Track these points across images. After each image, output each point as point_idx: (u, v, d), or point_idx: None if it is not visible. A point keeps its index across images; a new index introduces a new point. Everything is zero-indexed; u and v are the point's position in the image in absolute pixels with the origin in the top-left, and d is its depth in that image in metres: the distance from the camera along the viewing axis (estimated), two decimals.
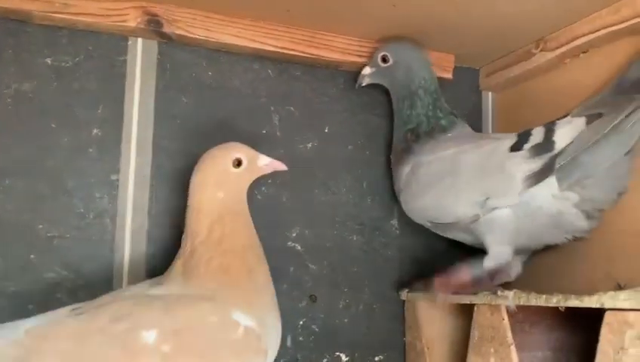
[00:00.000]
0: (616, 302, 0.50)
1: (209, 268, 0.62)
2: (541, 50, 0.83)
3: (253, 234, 0.67)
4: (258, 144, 0.81)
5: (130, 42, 0.77)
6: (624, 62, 0.72)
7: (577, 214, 0.70)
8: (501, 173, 0.71)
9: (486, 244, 0.75)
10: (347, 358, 0.83)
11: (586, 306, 0.53)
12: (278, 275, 0.70)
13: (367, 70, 0.83)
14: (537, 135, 0.71)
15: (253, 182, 0.71)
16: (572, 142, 0.68)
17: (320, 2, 0.74)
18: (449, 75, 0.90)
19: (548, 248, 0.77)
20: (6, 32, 0.72)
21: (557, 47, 0.80)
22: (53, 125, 0.73)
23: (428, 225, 0.80)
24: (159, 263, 0.75)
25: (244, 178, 0.68)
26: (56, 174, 0.72)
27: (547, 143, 0.70)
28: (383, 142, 0.88)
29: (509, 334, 0.64)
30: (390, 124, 0.86)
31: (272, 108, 0.83)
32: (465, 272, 0.75)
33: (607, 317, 0.51)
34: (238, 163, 0.67)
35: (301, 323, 0.81)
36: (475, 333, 0.69)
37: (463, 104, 0.94)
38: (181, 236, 0.68)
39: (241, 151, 0.68)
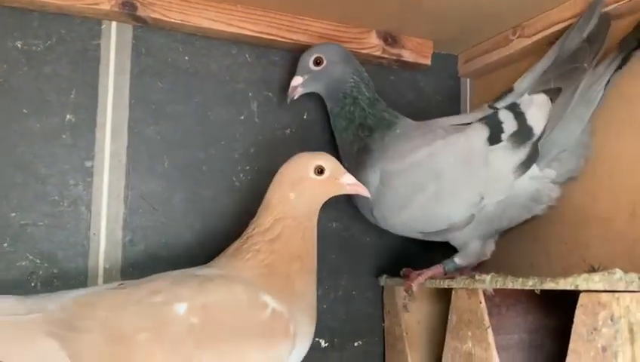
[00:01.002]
0: (590, 284, 0.51)
1: (254, 258, 0.63)
2: (518, 37, 0.83)
3: (310, 249, 0.66)
4: (236, 130, 0.81)
5: (104, 26, 0.76)
6: None
7: (553, 187, 0.72)
8: (488, 170, 0.70)
9: (463, 243, 0.75)
10: (326, 344, 0.83)
11: (561, 288, 0.54)
12: None
13: (297, 80, 0.78)
14: (508, 121, 0.72)
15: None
16: (547, 123, 0.70)
17: None
18: (427, 62, 0.90)
19: (523, 235, 0.78)
20: None
21: (534, 34, 0.81)
22: (24, 110, 0.71)
23: (415, 235, 0.77)
24: (136, 250, 0.74)
25: (321, 188, 0.67)
26: (28, 161, 0.71)
27: (525, 130, 0.70)
28: None
29: (486, 317, 0.64)
30: (330, 133, 0.83)
31: (250, 94, 0.82)
32: (438, 270, 0.76)
33: (582, 299, 0.52)
34: (320, 171, 0.66)
35: None
36: (453, 317, 0.70)
37: (441, 90, 0.95)
38: (158, 221, 0.69)
39: (327, 161, 0.67)
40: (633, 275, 0.50)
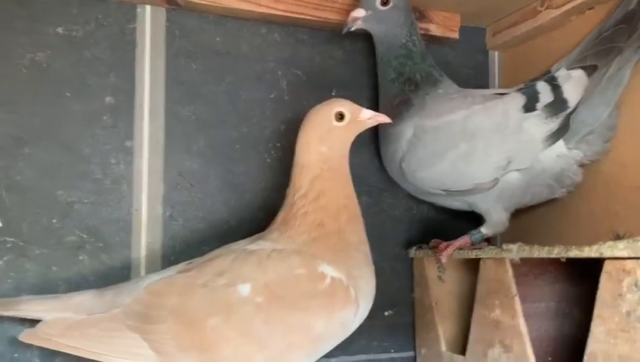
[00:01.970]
0: (614, 251, 0.52)
1: (304, 221, 0.65)
2: (546, 8, 0.82)
3: (350, 194, 0.68)
4: (267, 108, 0.83)
5: (139, 10, 0.78)
6: None
7: (577, 170, 0.73)
8: (520, 135, 0.72)
9: (487, 211, 0.76)
10: None
11: (586, 256, 0.55)
12: None
13: (360, 12, 0.76)
14: (545, 92, 0.72)
15: None
16: (581, 98, 0.70)
17: None
18: (455, 35, 0.90)
19: (552, 206, 0.79)
20: (17, 3, 0.73)
21: (562, 5, 0.80)
22: (67, 94, 0.75)
23: (437, 192, 0.78)
24: (175, 224, 0.78)
25: (347, 132, 0.68)
26: (72, 142, 0.75)
27: (560, 101, 0.71)
28: None
29: (514, 286, 0.66)
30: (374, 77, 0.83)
31: (280, 73, 0.84)
32: (465, 240, 0.77)
33: (607, 266, 0.53)
34: (340, 116, 0.67)
35: None
36: (481, 287, 0.71)
37: (469, 63, 0.95)
38: (195, 196, 0.72)
39: (343, 105, 0.68)
40: None
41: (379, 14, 0.77)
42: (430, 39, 0.90)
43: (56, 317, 0.61)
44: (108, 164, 0.76)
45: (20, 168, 0.72)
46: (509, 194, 0.75)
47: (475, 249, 0.74)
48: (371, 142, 0.87)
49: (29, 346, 0.64)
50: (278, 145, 0.83)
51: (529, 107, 0.72)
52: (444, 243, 0.79)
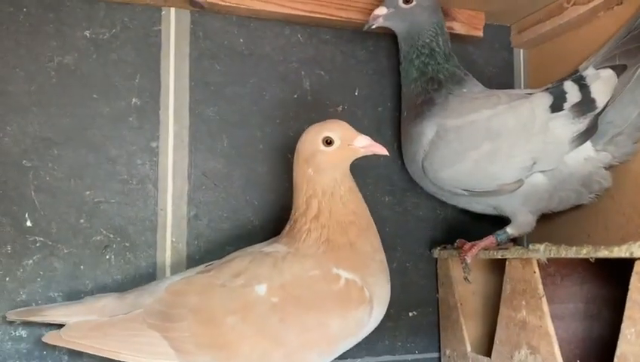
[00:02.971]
0: None
1: (309, 237, 0.65)
2: (573, 4, 0.81)
3: (356, 209, 0.67)
4: (290, 109, 0.83)
5: (163, 12, 0.79)
6: None
7: (605, 174, 0.71)
8: (546, 135, 0.70)
9: (512, 213, 0.75)
10: None
11: (616, 256, 0.54)
12: None
13: (382, 10, 0.76)
14: (573, 92, 0.71)
15: None
16: (610, 98, 0.68)
17: None
18: (479, 33, 0.90)
19: (581, 206, 0.77)
20: (46, 7, 0.75)
21: (589, 1, 0.79)
22: (94, 96, 0.76)
23: (460, 193, 0.77)
24: (200, 224, 0.79)
25: (335, 157, 0.66)
26: (99, 143, 0.76)
27: (588, 101, 0.70)
28: None
29: (540, 286, 0.65)
30: (397, 77, 0.83)
31: (303, 73, 0.85)
32: (490, 240, 0.76)
33: (637, 266, 0.52)
34: (327, 142, 0.65)
35: None
36: (507, 287, 0.70)
37: (494, 62, 0.94)
38: (219, 196, 0.74)
39: (333, 130, 0.66)
40: None
41: (402, 12, 0.77)
42: (454, 37, 0.89)
43: (79, 320, 0.63)
44: (134, 165, 0.77)
45: (48, 169, 0.74)
46: (536, 198, 0.73)
47: (500, 249, 0.73)
48: (394, 140, 0.87)
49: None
50: None
51: (556, 107, 0.71)
52: (469, 244, 0.78)
